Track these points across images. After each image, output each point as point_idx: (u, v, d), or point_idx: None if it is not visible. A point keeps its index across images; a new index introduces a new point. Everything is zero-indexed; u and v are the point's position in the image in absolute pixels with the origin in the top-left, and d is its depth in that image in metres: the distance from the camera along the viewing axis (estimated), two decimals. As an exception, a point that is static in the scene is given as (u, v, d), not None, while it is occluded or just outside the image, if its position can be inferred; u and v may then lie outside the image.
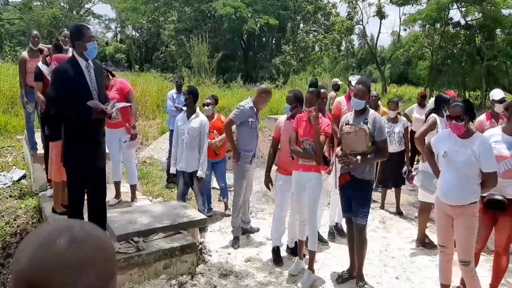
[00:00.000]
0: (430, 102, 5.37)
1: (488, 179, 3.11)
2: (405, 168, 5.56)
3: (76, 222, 0.80)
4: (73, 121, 3.27)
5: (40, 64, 4.67)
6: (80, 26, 3.47)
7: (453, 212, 3.23)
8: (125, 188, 5.39)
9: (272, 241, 4.43)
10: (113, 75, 4.92)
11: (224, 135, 5.37)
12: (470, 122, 3.21)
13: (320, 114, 3.81)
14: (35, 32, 5.44)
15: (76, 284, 0.71)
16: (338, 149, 3.80)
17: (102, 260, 0.76)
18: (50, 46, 5.29)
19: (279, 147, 4.35)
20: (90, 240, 0.76)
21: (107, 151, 4.84)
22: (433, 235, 5.01)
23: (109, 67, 22.33)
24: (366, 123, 3.58)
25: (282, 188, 4.22)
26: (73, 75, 3.21)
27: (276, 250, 4.34)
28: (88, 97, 3.24)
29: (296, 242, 4.31)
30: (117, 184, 5.07)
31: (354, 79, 5.15)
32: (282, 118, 4.31)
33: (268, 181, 4.38)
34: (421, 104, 7.38)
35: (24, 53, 5.43)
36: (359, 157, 3.54)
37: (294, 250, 4.35)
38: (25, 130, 6.68)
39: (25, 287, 0.71)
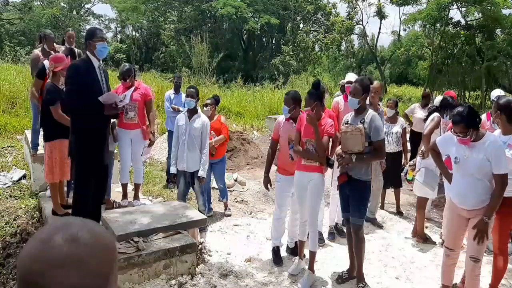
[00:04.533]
0: (436, 100, 5.39)
1: (500, 181, 3.02)
2: (405, 169, 5.56)
3: (76, 220, 0.81)
4: (84, 114, 3.38)
5: (46, 62, 4.68)
6: (94, 27, 3.75)
7: (470, 214, 3.23)
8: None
9: (272, 241, 4.43)
10: (134, 76, 5.05)
11: (221, 136, 5.37)
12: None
13: (323, 115, 3.80)
14: (52, 35, 5.49)
15: (70, 280, 0.72)
16: (338, 149, 3.81)
17: (99, 257, 0.76)
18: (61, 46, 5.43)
19: (278, 147, 4.34)
20: (87, 237, 0.76)
21: (116, 150, 4.93)
22: (433, 235, 5.03)
23: (109, 67, 22.25)
24: (363, 123, 3.58)
25: (282, 189, 4.21)
26: (87, 73, 3.39)
27: (276, 250, 4.34)
28: (100, 95, 3.42)
29: (296, 242, 4.32)
30: (124, 186, 5.09)
31: (348, 76, 5.17)
32: (281, 118, 4.30)
33: (266, 182, 4.35)
34: (424, 104, 7.32)
35: (37, 51, 5.44)
36: (354, 157, 3.54)
37: (294, 250, 4.36)
38: (25, 131, 6.69)
39: (24, 283, 0.73)
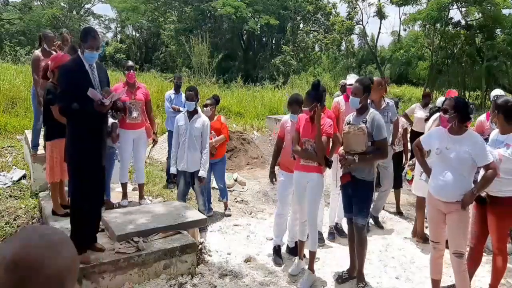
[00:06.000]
0: (439, 101, 5.40)
1: (488, 169, 3.17)
2: (405, 169, 5.56)
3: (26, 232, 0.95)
4: (78, 116, 3.32)
5: (64, 63, 4.66)
6: (88, 31, 3.45)
7: (447, 209, 3.29)
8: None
9: (273, 239, 4.44)
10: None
11: (222, 136, 5.37)
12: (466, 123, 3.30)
13: (322, 115, 3.81)
14: (51, 34, 5.50)
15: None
16: (340, 149, 3.81)
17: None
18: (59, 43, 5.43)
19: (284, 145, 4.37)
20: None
21: (116, 151, 4.93)
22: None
23: (109, 67, 22.19)
24: (365, 123, 3.59)
25: (283, 184, 4.27)
26: (77, 73, 3.32)
27: (277, 249, 4.35)
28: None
29: (296, 242, 4.32)
30: (124, 186, 5.10)
31: (350, 77, 5.16)
32: (287, 117, 4.32)
33: (272, 177, 4.42)
34: (424, 103, 7.31)
35: (38, 52, 5.42)
36: (357, 157, 3.55)
37: (294, 250, 4.36)
38: (25, 131, 6.69)
39: None
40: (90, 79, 3.37)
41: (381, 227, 5.30)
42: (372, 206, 5.19)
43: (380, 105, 4.86)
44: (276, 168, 4.47)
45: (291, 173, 4.07)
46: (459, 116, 3.22)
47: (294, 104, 4.12)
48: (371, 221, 5.32)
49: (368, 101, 4.80)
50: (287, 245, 4.53)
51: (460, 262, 3.29)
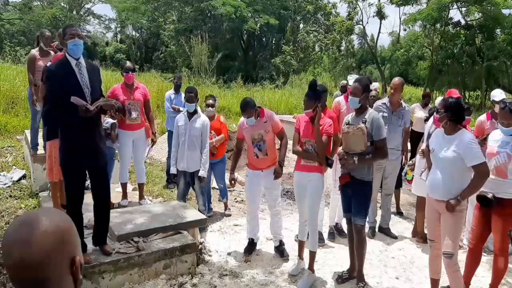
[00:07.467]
0: (438, 101, 5.39)
1: (478, 171, 3.13)
2: (405, 169, 5.55)
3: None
4: (67, 118, 3.26)
5: (49, 65, 4.64)
6: (66, 25, 3.48)
7: (440, 208, 3.30)
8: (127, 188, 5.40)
9: (247, 233, 4.55)
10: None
11: (222, 135, 5.37)
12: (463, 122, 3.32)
13: (322, 115, 3.80)
14: (48, 33, 5.48)
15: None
16: (339, 149, 3.81)
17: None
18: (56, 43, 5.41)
19: (245, 147, 4.44)
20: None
21: (116, 151, 4.92)
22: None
23: (109, 67, 22.15)
24: (365, 123, 3.58)
25: (250, 182, 4.37)
26: (63, 74, 3.23)
27: (250, 242, 4.46)
28: (79, 95, 3.20)
29: (280, 241, 4.44)
30: (124, 186, 5.11)
31: (351, 78, 5.16)
32: (243, 119, 4.37)
33: (231, 179, 4.48)
34: (424, 104, 7.30)
35: (34, 51, 5.40)
36: (356, 158, 3.55)
37: (279, 248, 4.42)
38: (25, 131, 6.68)
39: None
40: (77, 79, 3.24)
41: (395, 237, 5.06)
42: (379, 219, 5.18)
43: (398, 106, 4.85)
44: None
45: (257, 170, 4.22)
46: (449, 115, 3.22)
47: (248, 109, 4.16)
48: (376, 221, 5.28)
49: (386, 101, 4.85)
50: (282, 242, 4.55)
51: (450, 263, 3.28)
